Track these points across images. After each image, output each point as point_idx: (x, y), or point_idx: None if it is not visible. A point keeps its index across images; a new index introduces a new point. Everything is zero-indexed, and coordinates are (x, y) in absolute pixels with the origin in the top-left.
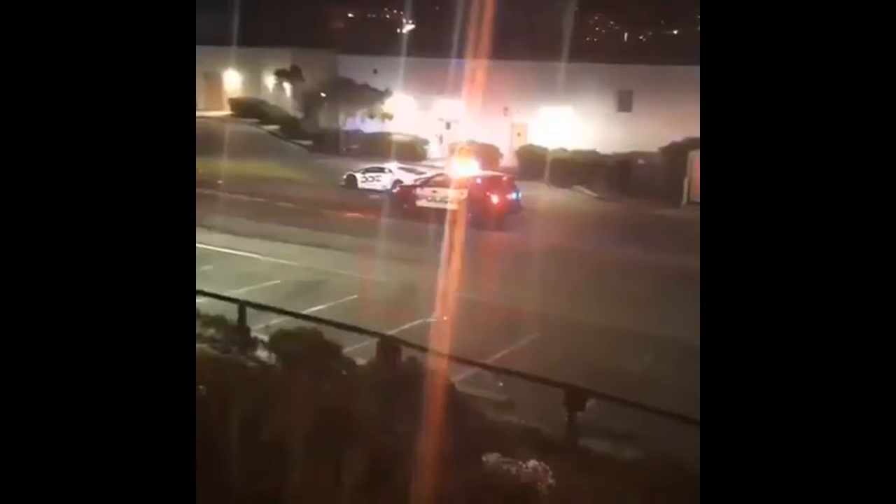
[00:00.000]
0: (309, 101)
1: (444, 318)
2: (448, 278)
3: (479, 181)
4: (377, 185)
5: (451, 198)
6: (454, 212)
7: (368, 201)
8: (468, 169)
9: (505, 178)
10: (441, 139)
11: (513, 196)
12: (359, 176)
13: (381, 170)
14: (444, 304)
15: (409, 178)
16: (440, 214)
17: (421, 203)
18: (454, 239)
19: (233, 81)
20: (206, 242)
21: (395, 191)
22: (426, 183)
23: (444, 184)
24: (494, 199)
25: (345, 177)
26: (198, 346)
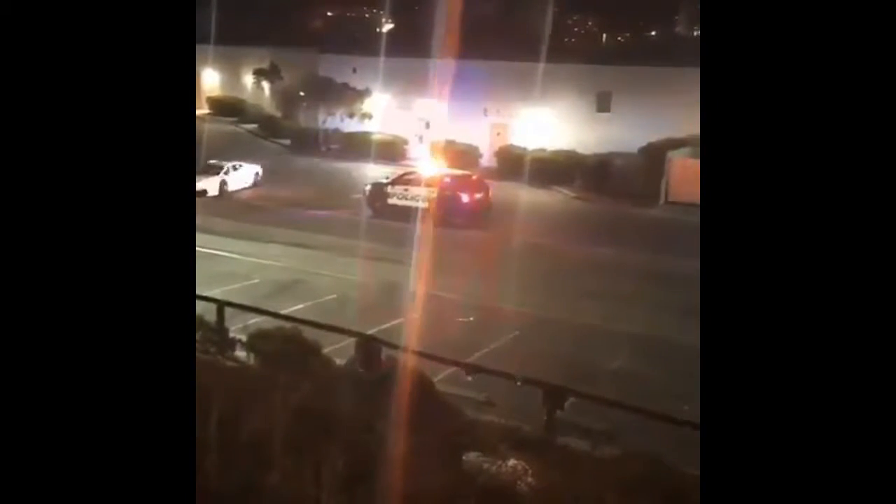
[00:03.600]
0: (288, 100)
1: (422, 317)
2: (424, 277)
3: (448, 180)
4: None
5: (422, 196)
6: (425, 210)
7: (344, 200)
8: (439, 167)
9: (475, 177)
10: (421, 139)
11: (483, 195)
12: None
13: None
14: (420, 302)
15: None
16: (412, 212)
17: (392, 201)
18: (427, 237)
19: (211, 80)
20: None
21: (367, 188)
22: (398, 181)
23: (415, 182)
24: (464, 197)
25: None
26: None
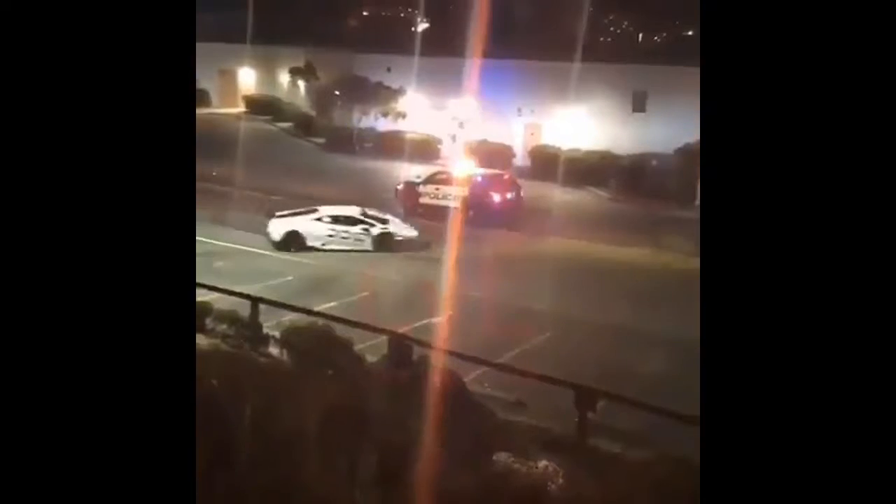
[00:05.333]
0: (323, 99)
1: (452, 317)
2: (455, 276)
3: (480, 179)
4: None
5: (453, 195)
6: (456, 209)
7: (376, 199)
8: (470, 167)
9: (506, 177)
10: (454, 138)
11: (514, 194)
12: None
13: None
14: (452, 302)
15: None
16: (443, 212)
17: (424, 200)
18: (458, 237)
19: (248, 78)
20: (219, 238)
21: (398, 188)
22: (429, 180)
23: (447, 181)
24: (495, 197)
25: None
26: (210, 341)
